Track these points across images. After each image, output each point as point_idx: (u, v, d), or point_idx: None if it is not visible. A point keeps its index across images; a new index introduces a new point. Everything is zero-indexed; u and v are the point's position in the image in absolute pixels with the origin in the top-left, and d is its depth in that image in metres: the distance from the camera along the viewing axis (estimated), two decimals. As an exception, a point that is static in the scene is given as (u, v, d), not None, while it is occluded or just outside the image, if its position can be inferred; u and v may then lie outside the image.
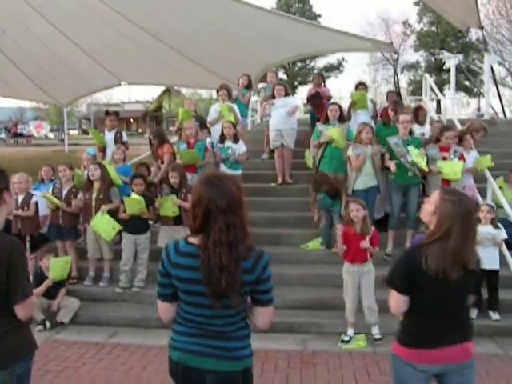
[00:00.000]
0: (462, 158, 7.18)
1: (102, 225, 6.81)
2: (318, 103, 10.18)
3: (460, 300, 2.89)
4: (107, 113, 9.37)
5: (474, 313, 5.91)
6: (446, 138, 7.16)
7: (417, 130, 8.24)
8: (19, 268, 2.68)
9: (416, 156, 6.88)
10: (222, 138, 8.23)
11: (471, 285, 2.95)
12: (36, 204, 7.11)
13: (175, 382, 2.62)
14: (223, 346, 2.48)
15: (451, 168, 6.92)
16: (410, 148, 6.96)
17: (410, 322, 2.93)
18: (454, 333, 2.84)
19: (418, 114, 8.72)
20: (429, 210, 2.87)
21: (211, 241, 2.36)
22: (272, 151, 9.71)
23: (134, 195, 6.81)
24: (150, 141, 8.60)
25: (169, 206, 6.73)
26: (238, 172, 8.04)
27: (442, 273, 2.71)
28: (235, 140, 8.14)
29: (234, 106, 9.22)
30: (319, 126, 8.33)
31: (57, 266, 6.22)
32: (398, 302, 2.88)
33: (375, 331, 5.71)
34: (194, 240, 2.46)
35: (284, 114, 9.11)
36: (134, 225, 6.85)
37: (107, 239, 6.84)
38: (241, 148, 8.17)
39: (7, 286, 2.64)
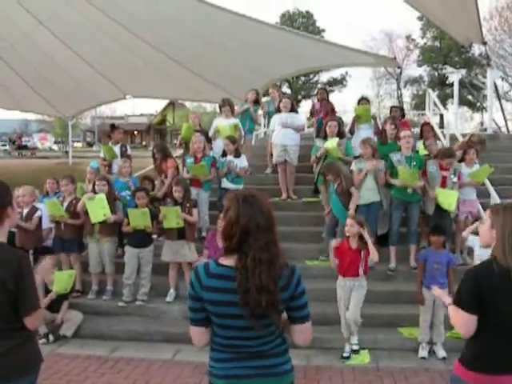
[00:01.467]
0: (459, 176, 7.21)
1: (95, 205, 6.84)
2: (329, 107, 10.20)
3: None
4: (114, 126, 9.40)
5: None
6: (447, 164, 7.19)
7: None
8: (28, 280, 2.73)
9: (403, 173, 6.95)
10: (225, 153, 8.29)
11: None
12: (40, 218, 7.13)
13: None
14: (263, 364, 2.44)
15: (446, 198, 6.91)
16: (399, 168, 7.00)
17: (480, 341, 2.72)
18: None
19: (423, 130, 8.83)
20: (485, 227, 2.84)
21: (250, 260, 2.32)
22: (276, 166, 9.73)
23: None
24: (154, 155, 8.62)
25: (172, 217, 6.74)
26: (240, 186, 8.05)
27: None
28: (237, 155, 8.18)
29: (236, 122, 9.27)
30: (317, 142, 8.43)
31: (61, 279, 6.23)
32: (467, 323, 2.72)
33: (354, 341, 5.69)
34: (226, 261, 2.41)
35: (289, 130, 9.15)
36: (137, 238, 6.87)
37: (92, 219, 6.84)
38: (242, 162, 8.19)
39: (16, 297, 2.68)
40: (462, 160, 7.58)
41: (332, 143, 7.94)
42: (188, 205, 6.91)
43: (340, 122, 8.60)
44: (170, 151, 8.87)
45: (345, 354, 5.68)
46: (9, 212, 2.82)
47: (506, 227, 2.70)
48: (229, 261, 2.40)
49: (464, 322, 2.74)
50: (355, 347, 5.68)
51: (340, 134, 8.25)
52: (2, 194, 2.80)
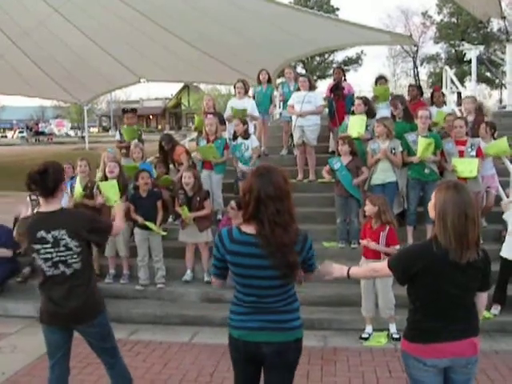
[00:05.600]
0: (479, 150, 7.04)
1: (108, 191, 6.76)
2: (339, 94, 10.07)
3: (467, 292, 2.88)
4: (124, 110, 9.52)
5: (496, 309, 5.81)
6: (456, 127, 7.07)
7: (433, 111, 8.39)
8: (97, 221, 3.65)
9: (421, 145, 6.86)
10: (235, 136, 8.25)
11: (478, 276, 2.85)
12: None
13: (236, 355, 2.95)
14: (275, 319, 2.83)
15: (466, 166, 6.78)
16: (419, 139, 6.91)
17: (416, 316, 2.94)
18: (462, 327, 2.86)
19: (433, 96, 9.04)
20: (430, 204, 2.91)
21: (267, 224, 2.68)
22: (292, 147, 9.63)
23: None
24: (161, 146, 8.52)
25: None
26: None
27: (452, 252, 2.71)
28: (246, 136, 8.11)
29: (250, 102, 9.20)
30: (347, 120, 8.31)
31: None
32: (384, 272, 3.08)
33: (393, 329, 5.63)
34: (247, 229, 2.78)
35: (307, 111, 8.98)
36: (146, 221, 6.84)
37: (106, 202, 6.71)
38: (252, 143, 8.14)
39: (93, 237, 3.55)
40: (476, 136, 7.49)
41: (355, 120, 7.85)
42: (198, 198, 6.85)
43: (366, 100, 8.36)
44: (177, 140, 9.01)
45: (364, 335, 5.65)
46: (63, 186, 3.56)
47: (445, 207, 2.76)
48: (249, 228, 2.77)
49: (383, 272, 3.10)
50: (395, 335, 5.55)
51: (369, 113, 8.09)
52: (58, 171, 3.51)
